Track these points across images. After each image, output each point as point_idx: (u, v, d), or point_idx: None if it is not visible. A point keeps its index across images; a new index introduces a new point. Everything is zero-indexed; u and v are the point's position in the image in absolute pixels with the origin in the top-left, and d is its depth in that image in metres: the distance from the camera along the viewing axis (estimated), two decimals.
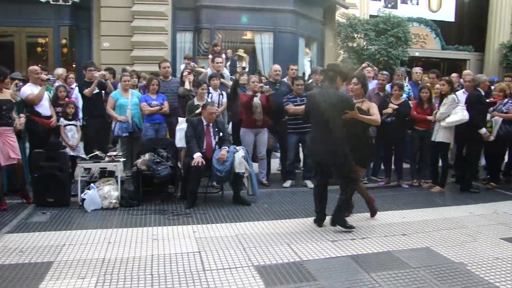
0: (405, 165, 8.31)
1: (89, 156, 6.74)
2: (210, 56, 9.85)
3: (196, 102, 7.41)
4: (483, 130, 7.38)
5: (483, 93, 7.69)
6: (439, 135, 7.51)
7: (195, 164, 6.32)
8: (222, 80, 8.68)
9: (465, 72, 9.87)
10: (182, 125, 7.25)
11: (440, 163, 7.85)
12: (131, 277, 4.05)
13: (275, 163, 8.87)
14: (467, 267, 4.44)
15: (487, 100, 7.95)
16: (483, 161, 8.81)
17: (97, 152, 6.74)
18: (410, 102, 8.21)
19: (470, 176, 7.84)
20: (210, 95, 7.92)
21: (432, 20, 18.81)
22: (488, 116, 7.75)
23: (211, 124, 6.76)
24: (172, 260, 4.47)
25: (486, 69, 18.15)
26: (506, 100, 7.84)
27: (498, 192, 7.70)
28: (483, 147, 7.79)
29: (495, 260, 4.63)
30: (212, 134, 6.74)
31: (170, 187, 6.97)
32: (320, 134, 5.52)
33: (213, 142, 6.72)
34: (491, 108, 7.87)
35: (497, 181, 8.05)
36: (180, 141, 7.21)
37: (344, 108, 5.46)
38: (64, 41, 13.24)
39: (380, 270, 4.31)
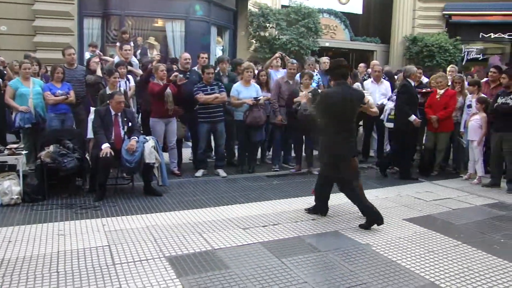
0: (315, 152, 8.55)
1: None
2: (118, 44, 9.53)
3: (108, 91, 7.13)
4: (412, 117, 7.69)
5: (412, 84, 7.98)
6: None
7: (104, 155, 6.10)
8: (130, 68, 8.45)
9: (373, 62, 10.30)
10: (93, 115, 6.97)
11: None
12: (35, 277, 3.83)
13: (187, 153, 8.80)
14: (372, 247, 4.67)
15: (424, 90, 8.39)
16: (387, 147, 9.31)
17: None
18: (319, 90, 8.44)
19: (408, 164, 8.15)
20: (127, 82, 7.76)
21: (341, 12, 19.43)
22: (392, 104, 8.12)
23: (119, 114, 6.54)
24: (80, 255, 4.29)
25: (392, 60, 19.11)
26: None
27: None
28: (418, 134, 8.13)
29: (398, 239, 4.92)
30: (120, 124, 6.53)
31: (78, 179, 6.68)
32: (340, 134, 5.26)
33: (122, 132, 6.51)
34: (395, 97, 8.24)
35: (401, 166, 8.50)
36: (92, 132, 6.92)
37: (360, 103, 5.59)
38: None
39: (290, 255, 4.41)
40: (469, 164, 7.97)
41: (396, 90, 8.25)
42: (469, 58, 19.52)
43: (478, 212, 6.22)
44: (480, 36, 19.40)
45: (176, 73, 7.39)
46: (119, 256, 4.28)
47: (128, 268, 4.01)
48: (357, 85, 7.94)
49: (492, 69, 8.52)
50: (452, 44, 17.76)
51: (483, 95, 7.86)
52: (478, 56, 19.72)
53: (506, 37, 19.28)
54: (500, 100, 7.23)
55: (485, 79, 8.86)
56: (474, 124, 7.64)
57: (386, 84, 8.94)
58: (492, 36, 19.30)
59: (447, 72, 9.51)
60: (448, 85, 8.24)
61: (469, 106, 7.96)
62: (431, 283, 3.93)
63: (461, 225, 5.55)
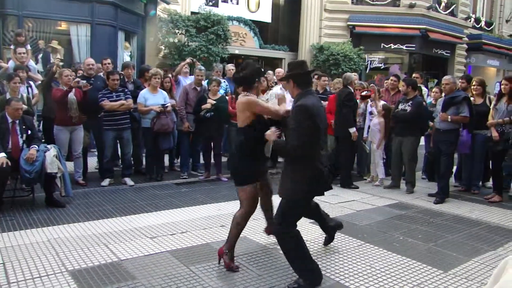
0: (224, 159, 8.62)
1: None
2: (12, 47, 9.00)
3: (8, 96, 6.70)
4: (353, 129, 7.91)
5: (352, 91, 8.16)
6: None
7: None
8: (30, 74, 8.03)
9: (277, 70, 10.57)
10: None
11: None
12: None
13: (93, 161, 8.49)
14: (279, 251, 4.72)
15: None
16: None
17: None
18: (227, 97, 8.53)
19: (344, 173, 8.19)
20: (29, 88, 7.38)
21: (250, 20, 19.72)
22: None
23: (17, 121, 6.18)
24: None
25: None
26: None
27: None
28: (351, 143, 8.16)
29: (306, 242, 5.03)
30: (18, 132, 6.17)
31: None
32: (321, 152, 4.15)
33: (20, 141, 6.16)
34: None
35: None
36: None
37: None
38: None
39: (199, 262, 4.41)
40: (371, 167, 8.43)
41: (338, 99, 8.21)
42: (372, 66, 20.81)
43: (380, 212, 6.55)
44: (382, 47, 20.63)
45: (78, 79, 7.12)
46: (15, 274, 4.03)
47: (25, 286, 3.80)
48: (271, 92, 8.27)
49: (391, 78, 9.09)
50: (356, 53, 18.64)
51: (384, 102, 8.33)
52: (380, 65, 21.10)
53: (404, 48, 20.69)
54: (400, 107, 7.72)
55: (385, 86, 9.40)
56: (373, 128, 8.10)
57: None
58: (392, 47, 20.58)
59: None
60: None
61: (371, 112, 8.40)
62: (336, 282, 4.10)
63: (364, 226, 5.84)
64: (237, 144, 4.43)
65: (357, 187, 8.02)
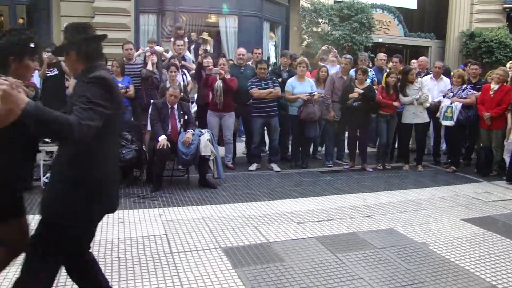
0: (369, 149, 8.46)
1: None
2: (172, 39, 9.71)
3: (168, 84, 7.29)
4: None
5: None
6: (422, 117, 8.01)
7: (160, 147, 6.24)
8: (184, 62, 8.59)
9: (420, 58, 10.02)
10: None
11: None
12: (98, 260, 3.97)
13: (241, 147, 8.87)
14: (429, 246, 4.56)
15: None
16: (444, 146, 9.10)
17: None
18: (375, 87, 8.33)
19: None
20: (184, 76, 7.90)
21: (395, 7, 19.03)
22: (449, 102, 7.94)
23: (175, 107, 6.67)
24: (139, 243, 4.41)
25: (447, 56, 18.52)
26: (465, 86, 8.05)
27: (458, 175, 7.92)
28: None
29: (456, 239, 4.77)
30: (177, 117, 6.66)
31: (135, 170, 6.87)
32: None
33: (178, 125, 6.65)
34: (451, 94, 8.06)
35: (457, 165, 8.27)
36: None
37: None
38: (21, 21, 12.69)
39: (345, 251, 4.37)
40: None
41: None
42: None
43: None
44: None
45: (210, 67, 7.46)
46: (176, 245, 4.37)
47: (185, 257, 4.10)
48: (421, 80, 8.01)
49: None
50: None
51: None
52: None
53: None
54: None
55: None
56: None
57: (445, 81, 8.66)
58: None
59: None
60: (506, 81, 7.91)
61: None
62: (492, 286, 3.79)
63: None
64: None
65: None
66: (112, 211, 2.75)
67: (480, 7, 18.42)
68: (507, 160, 7.53)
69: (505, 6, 18.29)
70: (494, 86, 7.75)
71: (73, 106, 2.33)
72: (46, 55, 7.73)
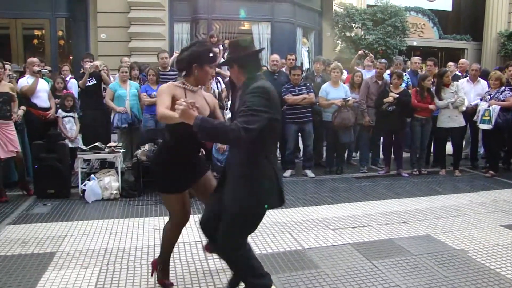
0: (405, 154, 8.34)
1: (89, 147, 6.74)
2: None
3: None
4: None
5: None
6: (458, 121, 7.86)
7: None
8: (218, 70, 8.68)
9: (461, 60, 9.89)
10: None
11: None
12: (134, 267, 4.06)
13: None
14: (468, 254, 4.45)
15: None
16: (482, 150, 8.90)
17: (97, 143, 6.73)
18: (409, 91, 8.23)
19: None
20: (218, 84, 8.01)
21: (429, 9, 18.77)
22: (486, 105, 7.77)
23: None
24: (174, 249, 4.46)
25: (484, 58, 18.11)
26: (503, 88, 7.86)
27: (497, 180, 7.72)
28: None
29: (496, 246, 4.65)
30: None
31: None
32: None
33: None
34: (489, 96, 7.89)
35: (496, 169, 8.08)
36: None
37: None
38: (60, 33, 13.09)
39: (381, 258, 4.32)
40: None
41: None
42: None
43: None
44: None
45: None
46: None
47: (220, 263, 4.10)
48: (457, 84, 7.88)
49: None
50: None
51: None
52: None
53: None
54: None
55: None
56: None
57: (483, 84, 8.47)
58: None
59: None
60: None
61: None
62: None
63: None
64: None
65: None
66: (280, 205, 3.17)
67: None
68: None
69: None
70: None
71: (238, 112, 2.87)
72: (87, 65, 7.96)
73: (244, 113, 2.81)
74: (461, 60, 9.87)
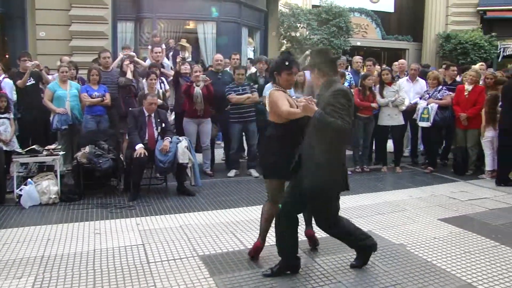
0: (348, 152, 8.48)
1: (25, 150, 6.47)
2: (149, 47, 9.67)
3: (146, 92, 7.25)
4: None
5: None
6: (398, 120, 8.07)
7: (138, 156, 6.20)
8: (162, 70, 8.55)
9: (400, 61, 10.16)
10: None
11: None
12: (72, 274, 3.92)
13: (219, 153, 8.85)
14: (406, 248, 4.59)
15: None
16: (422, 147, 9.21)
17: (34, 146, 6.48)
18: (352, 90, 8.38)
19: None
20: (162, 84, 7.86)
21: (372, 11, 19.24)
22: (425, 103, 8.04)
23: (152, 115, 6.63)
24: (115, 254, 4.37)
25: (424, 58, 18.72)
26: (440, 87, 8.16)
27: (435, 176, 8.01)
28: None
29: (433, 239, 4.83)
30: (154, 125, 6.62)
31: (113, 179, 6.82)
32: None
33: (155, 133, 6.61)
34: (427, 95, 8.16)
35: (434, 165, 8.37)
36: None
37: None
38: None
39: (324, 255, 4.38)
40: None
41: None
42: (505, 54, 18.91)
43: None
44: None
45: (198, 73, 7.46)
46: (153, 255, 4.33)
47: (162, 267, 4.06)
48: (398, 83, 8.17)
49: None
50: (487, 41, 17.30)
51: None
52: None
53: None
54: None
55: None
56: None
57: (421, 83, 8.77)
58: None
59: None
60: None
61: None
62: (468, 284, 3.83)
63: (498, 226, 5.39)
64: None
65: None
66: (346, 188, 3.90)
67: (455, 10, 18.71)
68: (487, 155, 7.69)
69: (478, 8, 18.60)
70: (468, 87, 7.89)
71: (325, 109, 3.57)
72: (28, 64, 7.63)
73: (337, 109, 3.55)
74: (400, 61, 10.14)
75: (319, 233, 4.49)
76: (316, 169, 3.67)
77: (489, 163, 7.72)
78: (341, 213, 5.58)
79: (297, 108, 3.87)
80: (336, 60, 4.02)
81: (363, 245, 4.09)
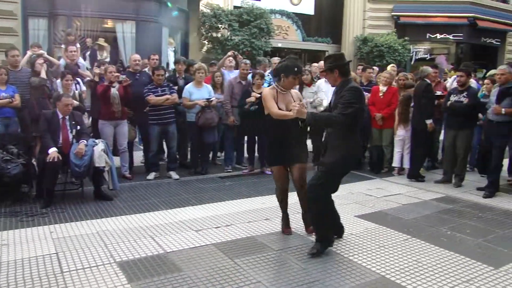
0: None
1: None
2: (63, 46, 9.27)
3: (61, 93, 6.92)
4: (429, 121, 7.69)
5: (430, 83, 7.95)
6: None
7: (51, 160, 5.91)
8: (80, 70, 8.25)
9: (321, 62, 10.42)
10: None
11: None
12: None
13: (139, 155, 8.66)
14: None
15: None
16: None
17: None
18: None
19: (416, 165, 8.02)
20: (77, 85, 7.56)
21: (293, 13, 19.61)
22: None
23: (67, 117, 6.36)
24: (25, 265, 4.14)
25: None
26: None
27: (353, 174, 8.20)
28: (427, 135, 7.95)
29: (350, 236, 5.03)
30: (68, 127, 6.34)
31: (24, 186, 6.45)
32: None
33: (70, 136, 6.33)
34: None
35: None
36: None
37: None
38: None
39: (243, 256, 4.42)
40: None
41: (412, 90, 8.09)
42: (417, 58, 20.14)
43: (426, 206, 6.39)
44: (427, 37, 20.08)
45: (117, 74, 7.27)
46: (67, 264, 4.16)
47: (77, 275, 3.91)
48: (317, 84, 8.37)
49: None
50: (401, 44, 18.24)
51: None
52: (426, 56, 20.36)
53: (451, 37, 20.03)
54: (452, 98, 7.42)
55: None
56: None
57: None
58: (438, 37, 20.01)
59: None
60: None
61: None
62: (381, 277, 4.02)
63: (410, 220, 5.71)
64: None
65: (424, 180, 7.82)
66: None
67: (372, 14, 19.64)
68: (396, 152, 8.13)
69: (393, 13, 19.68)
70: (383, 88, 8.25)
71: (338, 103, 4.32)
72: None
73: (342, 104, 4.25)
74: (321, 62, 10.37)
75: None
76: (333, 151, 4.42)
77: (397, 160, 8.21)
78: (261, 213, 5.75)
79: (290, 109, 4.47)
80: (349, 63, 4.64)
81: (325, 234, 4.59)
